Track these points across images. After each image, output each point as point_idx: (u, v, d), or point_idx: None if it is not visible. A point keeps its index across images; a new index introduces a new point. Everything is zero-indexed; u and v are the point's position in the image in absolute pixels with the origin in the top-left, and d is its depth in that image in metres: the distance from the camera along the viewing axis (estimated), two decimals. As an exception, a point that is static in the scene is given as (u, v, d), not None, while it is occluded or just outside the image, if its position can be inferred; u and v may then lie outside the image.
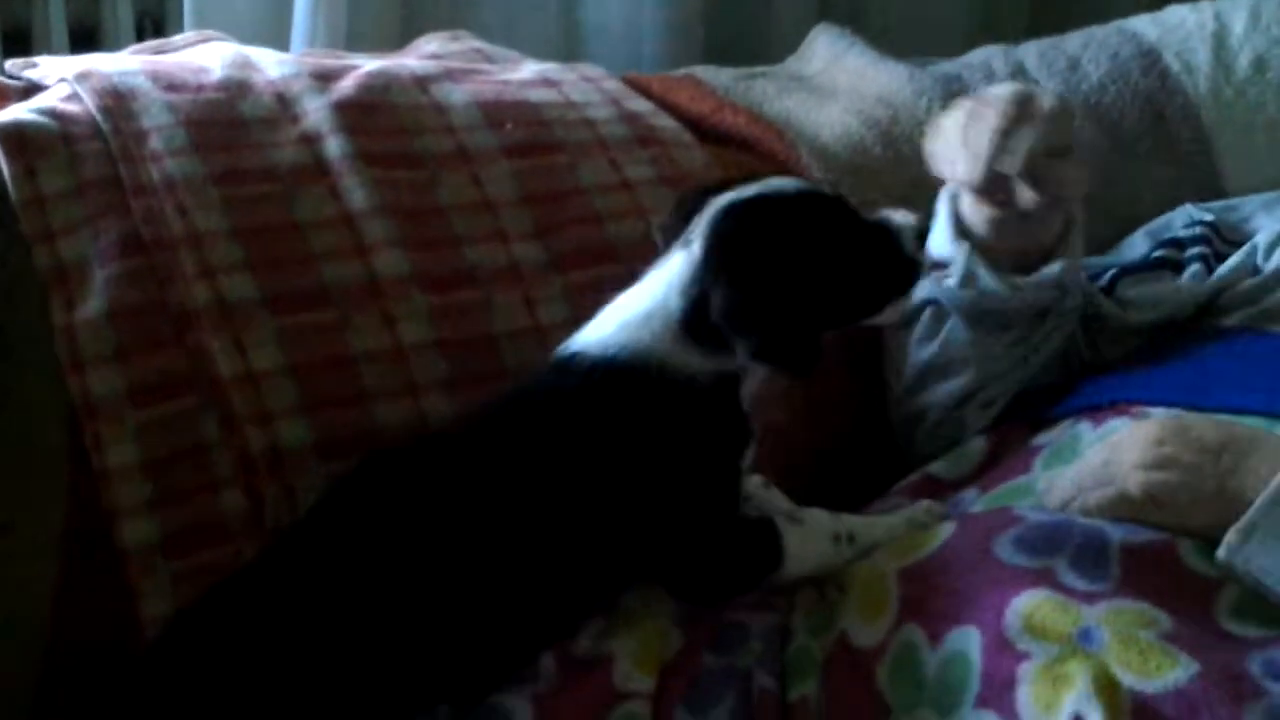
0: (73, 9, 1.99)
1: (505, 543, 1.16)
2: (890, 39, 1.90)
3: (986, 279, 1.41)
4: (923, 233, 1.25)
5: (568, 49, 2.07)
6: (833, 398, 1.54)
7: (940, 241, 1.44)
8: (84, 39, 2.00)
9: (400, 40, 1.94)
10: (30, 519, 1.28)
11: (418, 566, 1.14)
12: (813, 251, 1.17)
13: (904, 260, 1.23)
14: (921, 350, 1.48)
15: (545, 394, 1.22)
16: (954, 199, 1.45)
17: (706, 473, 1.20)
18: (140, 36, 2.05)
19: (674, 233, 1.22)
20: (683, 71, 1.79)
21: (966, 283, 1.42)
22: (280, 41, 1.90)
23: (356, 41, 1.92)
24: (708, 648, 1.18)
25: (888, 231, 1.23)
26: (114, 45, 1.99)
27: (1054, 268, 1.41)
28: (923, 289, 1.37)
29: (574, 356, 1.20)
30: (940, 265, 1.43)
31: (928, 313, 1.47)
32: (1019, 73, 1.76)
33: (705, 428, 1.20)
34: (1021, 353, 1.45)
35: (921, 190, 1.63)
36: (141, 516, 1.27)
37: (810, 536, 1.22)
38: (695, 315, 1.17)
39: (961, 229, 1.44)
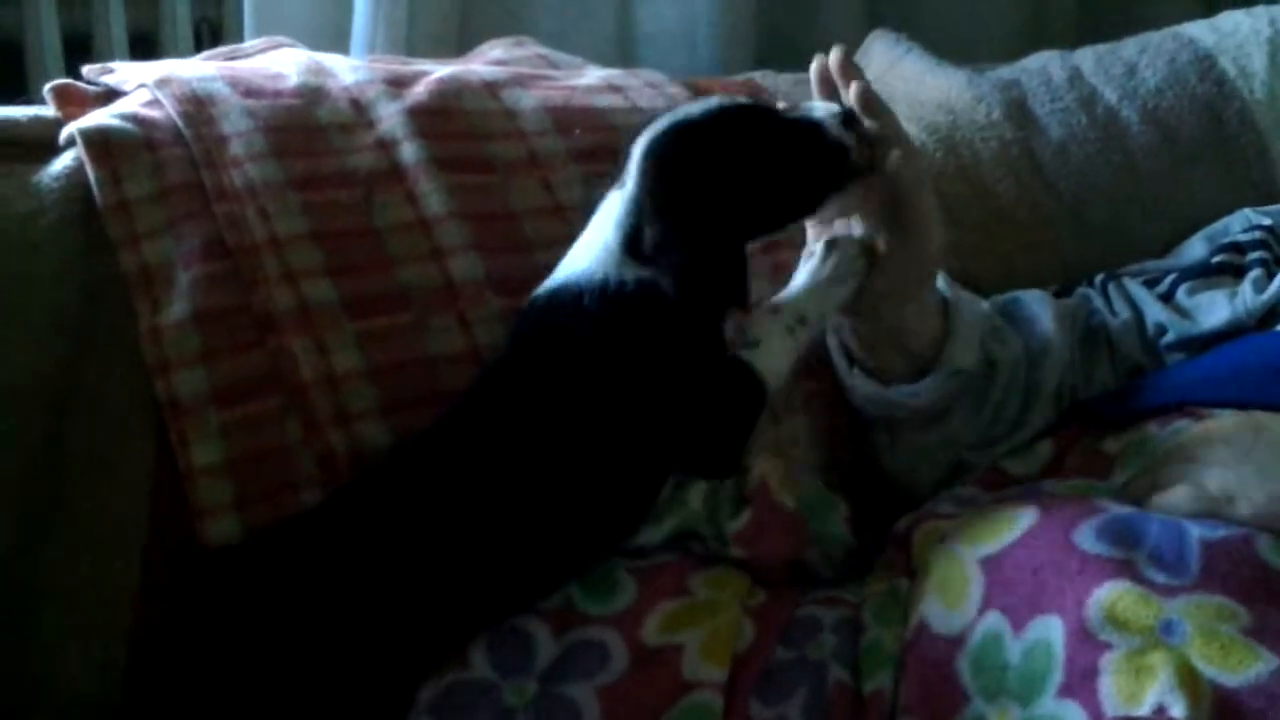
0: (132, 15, 2.02)
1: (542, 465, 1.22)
2: (940, 44, 1.91)
3: (885, 397, 1.43)
4: (850, 116, 1.29)
5: (622, 53, 2.09)
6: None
7: (841, 374, 1.47)
8: (143, 45, 2.03)
9: (458, 45, 1.97)
10: (116, 517, 1.30)
11: (476, 488, 1.21)
12: (730, 164, 1.23)
13: (829, 148, 1.27)
14: (889, 463, 1.49)
15: (531, 339, 1.28)
16: (837, 329, 1.47)
17: (678, 368, 1.24)
18: (198, 42, 2.08)
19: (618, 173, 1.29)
20: (741, 77, 1.81)
21: (878, 406, 1.44)
22: (340, 46, 1.92)
23: (415, 47, 1.94)
24: (779, 641, 1.20)
25: (810, 125, 1.28)
26: (173, 51, 2.02)
27: (945, 364, 1.40)
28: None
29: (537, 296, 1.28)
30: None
31: (880, 430, 1.48)
32: (1076, 77, 1.77)
33: (665, 331, 1.24)
34: (987, 418, 1.45)
35: (983, 196, 1.66)
36: (225, 515, 1.28)
37: (770, 347, 1.27)
38: (632, 245, 1.23)
39: (851, 358, 1.46)
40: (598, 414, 1.22)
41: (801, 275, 1.33)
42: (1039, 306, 1.52)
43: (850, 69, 1.35)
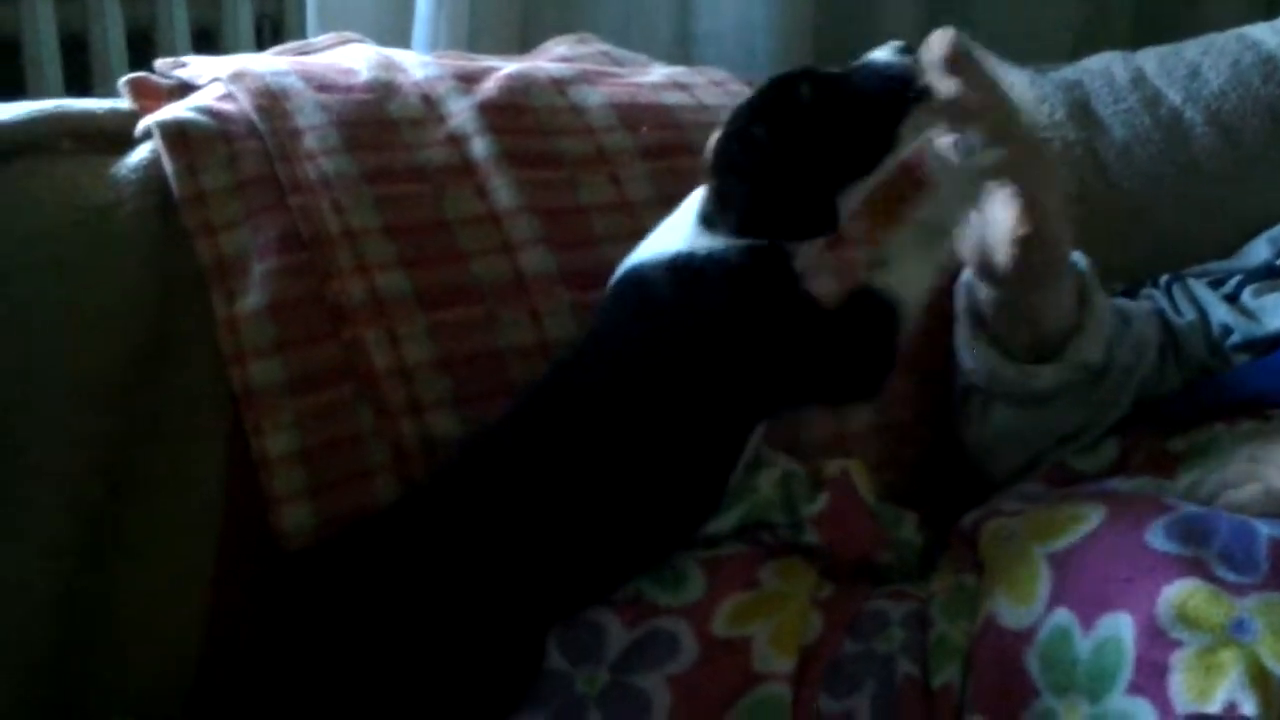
0: (194, 11, 2.04)
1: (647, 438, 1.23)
2: (997, 43, 1.91)
3: (1003, 370, 1.42)
4: (907, 47, 1.30)
5: (680, 52, 2.10)
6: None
7: (962, 337, 1.47)
8: (204, 41, 2.05)
9: (519, 42, 1.98)
10: (192, 503, 1.32)
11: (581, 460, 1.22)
12: (791, 122, 1.24)
13: (887, 75, 1.27)
14: (974, 433, 1.50)
15: (631, 309, 1.29)
16: (970, 291, 1.46)
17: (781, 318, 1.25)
18: (259, 38, 2.10)
19: None
20: (801, 75, 1.81)
21: (989, 377, 1.44)
22: (401, 43, 1.93)
23: (476, 43, 1.96)
24: (847, 634, 1.21)
25: (864, 65, 1.28)
26: (234, 47, 2.04)
27: (1072, 354, 1.40)
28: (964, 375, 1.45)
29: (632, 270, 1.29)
30: None
31: (975, 398, 1.48)
32: (1139, 79, 1.78)
33: (757, 299, 1.25)
34: (1083, 416, 1.45)
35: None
36: (299, 502, 1.30)
37: (905, 266, 1.27)
38: (707, 218, 1.25)
39: (979, 321, 1.45)
40: (678, 381, 1.23)
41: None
42: (1133, 309, 1.52)
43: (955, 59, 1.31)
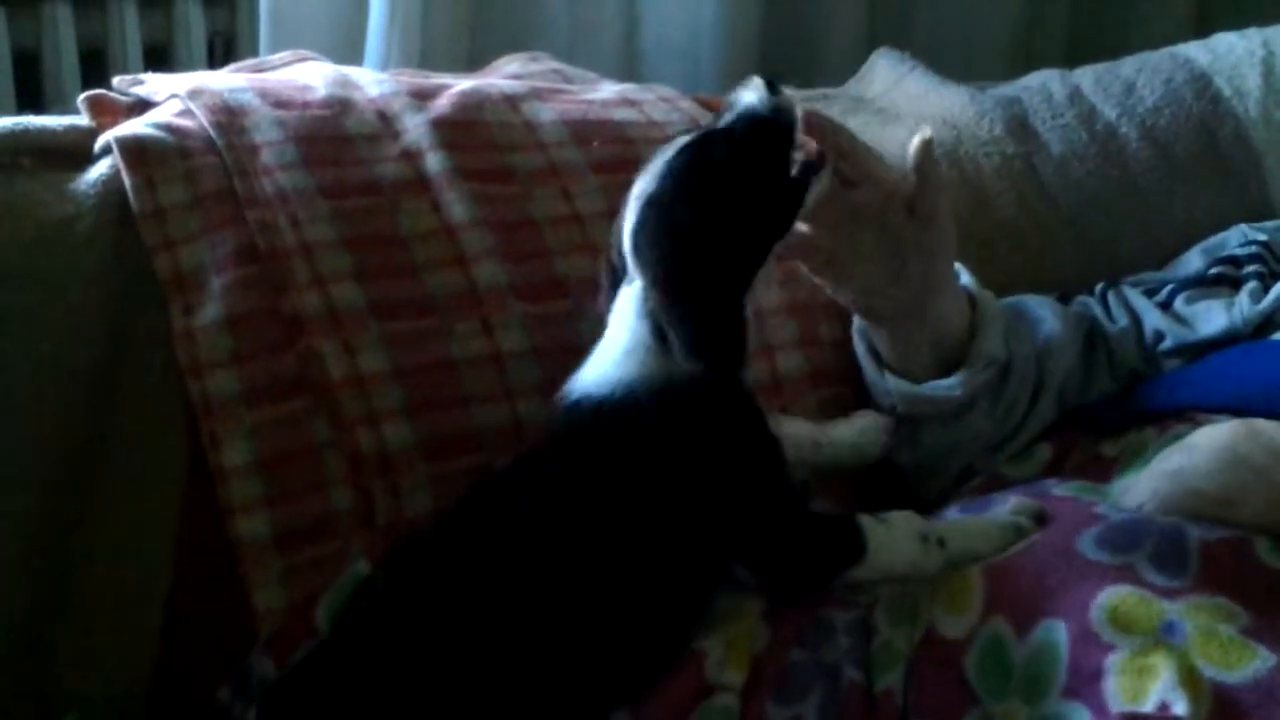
0: (146, 28, 2.05)
1: (594, 580, 1.21)
2: (935, 61, 1.95)
3: (918, 395, 1.46)
4: (772, 84, 1.24)
5: (627, 70, 2.13)
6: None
7: (870, 378, 1.50)
8: (157, 58, 2.06)
9: (469, 60, 2.01)
10: (149, 513, 1.35)
11: (518, 606, 1.20)
12: (711, 207, 1.21)
13: (771, 128, 1.23)
14: (906, 455, 1.52)
15: (577, 439, 1.26)
16: (863, 336, 1.50)
17: (749, 458, 1.25)
18: (211, 56, 2.12)
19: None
20: (747, 93, 1.84)
21: (909, 405, 1.47)
22: (353, 60, 1.96)
23: (427, 61, 1.98)
24: (795, 643, 1.23)
25: (746, 117, 1.23)
26: (186, 64, 2.06)
27: (976, 355, 1.44)
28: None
29: (579, 401, 1.25)
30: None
31: (902, 427, 1.50)
32: (1076, 95, 1.81)
33: (726, 420, 1.24)
34: (1001, 414, 1.49)
35: (986, 209, 1.70)
36: (255, 512, 1.33)
37: (895, 535, 1.25)
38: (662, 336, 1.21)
39: (879, 358, 1.49)
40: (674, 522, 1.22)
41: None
42: (1042, 309, 1.56)
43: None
